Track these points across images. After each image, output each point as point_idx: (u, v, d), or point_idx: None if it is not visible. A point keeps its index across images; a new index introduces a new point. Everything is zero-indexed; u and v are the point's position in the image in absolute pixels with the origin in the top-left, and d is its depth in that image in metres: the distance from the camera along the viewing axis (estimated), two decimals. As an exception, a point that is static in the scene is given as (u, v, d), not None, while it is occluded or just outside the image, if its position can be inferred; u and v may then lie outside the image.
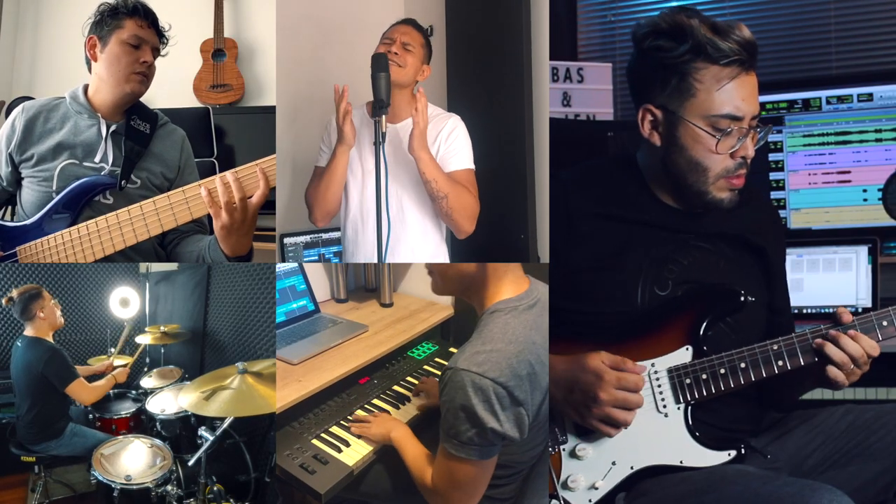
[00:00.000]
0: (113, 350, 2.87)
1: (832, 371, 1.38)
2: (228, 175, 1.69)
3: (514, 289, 1.44)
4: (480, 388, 1.29)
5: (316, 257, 2.64)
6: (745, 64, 1.43)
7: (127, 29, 1.90)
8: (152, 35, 1.94)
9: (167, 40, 2.00)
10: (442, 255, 2.06)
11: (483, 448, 1.34)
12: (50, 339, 2.30)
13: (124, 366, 2.65)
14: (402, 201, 1.98)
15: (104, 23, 1.92)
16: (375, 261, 1.90)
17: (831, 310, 2.26)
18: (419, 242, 2.01)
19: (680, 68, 1.44)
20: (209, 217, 1.76)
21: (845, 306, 2.22)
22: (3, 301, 2.33)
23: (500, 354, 1.32)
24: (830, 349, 1.39)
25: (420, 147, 1.88)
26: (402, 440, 1.66)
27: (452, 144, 1.97)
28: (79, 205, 1.85)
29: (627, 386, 1.37)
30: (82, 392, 2.30)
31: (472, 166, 2.00)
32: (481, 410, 1.29)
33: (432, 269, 1.54)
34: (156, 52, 1.96)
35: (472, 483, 1.40)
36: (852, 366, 1.38)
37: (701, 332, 1.44)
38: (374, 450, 1.76)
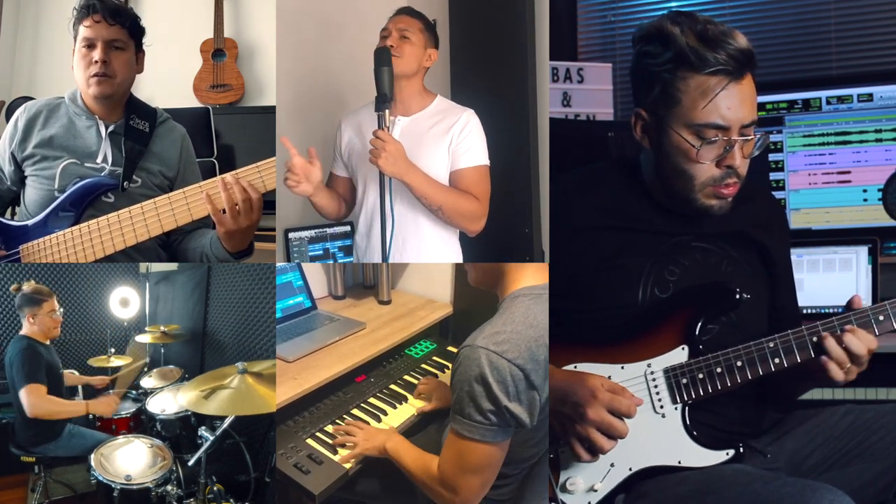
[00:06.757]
0: (113, 350, 2.87)
1: (831, 366, 1.37)
2: (229, 177, 1.68)
3: (537, 278, 1.45)
4: (497, 367, 1.27)
5: (321, 251, 2.62)
6: (733, 73, 1.39)
7: (82, 32, 1.86)
8: (104, 29, 1.84)
9: (137, 31, 1.90)
10: (454, 252, 2.04)
11: (496, 429, 1.31)
12: (43, 341, 2.27)
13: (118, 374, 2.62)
14: (413, 198, 1.94)
15: (73, 29, 1.88)
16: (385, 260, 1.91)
17: (831, 310, 2.29)
18: (431, 240, 1.99)
19: (663, 76, 1.42)
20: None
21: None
22: (12, 288, 2.32)
23: (520, 336, 1.31)
24: (830, 343, 1.37)
25: (399, 173, 1.86)
26: (397, 448, 1.61)
27: (465, 140, 1.96)
28: (83, 204, 1.85)
29: (619, 409, 1.35)
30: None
31: (485, 162, 1.99)
32: (496, 389, 1.27)
33: (469, 265, 1.57)
34: (113, 45, 1.85)
35: (483, 466, 1.36)
36: (849, 364, 1.37)
37: (696, 332, 1.44)
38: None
